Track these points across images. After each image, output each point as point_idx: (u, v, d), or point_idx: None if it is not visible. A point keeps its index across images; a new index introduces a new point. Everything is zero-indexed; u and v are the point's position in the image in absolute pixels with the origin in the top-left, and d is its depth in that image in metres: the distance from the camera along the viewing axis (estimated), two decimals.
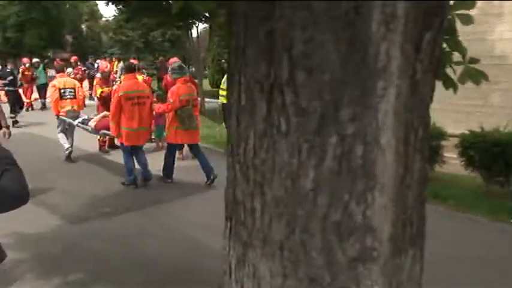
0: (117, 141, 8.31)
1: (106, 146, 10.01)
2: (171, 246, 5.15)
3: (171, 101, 7.40)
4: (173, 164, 7.86)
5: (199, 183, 7.55)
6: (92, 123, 8.58)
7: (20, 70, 16.39)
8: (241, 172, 1.59)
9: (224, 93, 9.27)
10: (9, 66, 14.33)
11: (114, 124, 7.31)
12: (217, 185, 7.37)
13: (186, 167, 8.64)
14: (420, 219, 1.52)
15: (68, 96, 9.20)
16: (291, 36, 1.34)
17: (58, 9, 39.62)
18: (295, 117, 1.38)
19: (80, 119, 8.96)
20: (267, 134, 1.47)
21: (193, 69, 21.72)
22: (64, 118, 9.15)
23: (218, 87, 26.49)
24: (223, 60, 9.65)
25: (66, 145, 9.12)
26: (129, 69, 7.76)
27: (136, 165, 7.56)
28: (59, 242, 5.31)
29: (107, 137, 9.20)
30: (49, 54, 40.65)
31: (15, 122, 12.72)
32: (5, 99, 14.07)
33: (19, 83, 14.91)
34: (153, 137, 10.67)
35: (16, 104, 13.28)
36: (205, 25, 23.46)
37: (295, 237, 1.44)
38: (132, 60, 9.73)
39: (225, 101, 9.29)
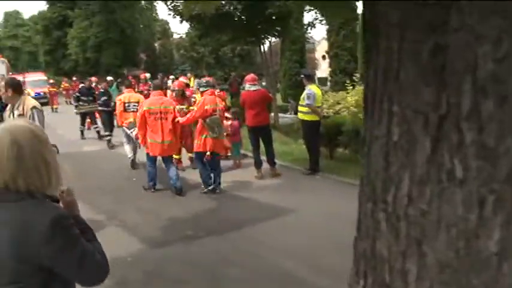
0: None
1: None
2: (260, 278, 4.83)
3: (195, 109, 7.97)
4: (208, 170, 8.09)
5: (279, 205, 7.25)
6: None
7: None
8: (388, 223, 1.27)
9: (303, 109, 8.98)
10: (102, 86, 14.26)
11: (141, 135, 8.09)
12: (299, 208, 7.04)
13: (265, 187, 8.43)
14: None
15: (132, 109, 9.78)
16: (475, 53, 1.02)
17: (133, 29, 41.24)
18: (477, 160, 1.05)
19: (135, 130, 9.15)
20: (432, 180, 1.15)
21: (264, 83, 21.69)
22: (124, 128, 9.86)
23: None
24: (302, 76, 9.28)
25: (129, 154, 10.01)
26: (156, 87, 8.40)
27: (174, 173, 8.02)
28: (139, 266, 5.19)
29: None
30: (124, 72, 42.35)
31: (108, 142, 13.10)
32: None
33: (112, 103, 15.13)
34: (229, 154, 10.61)
35: (109, 124, 13.24)
36: (277, 39, 23.36)
37: None
38: (207, 78, 9.62)
39: (305, 118, 8.97)
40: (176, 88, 10.30)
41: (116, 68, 40.72)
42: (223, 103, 9.63)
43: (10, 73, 42.31)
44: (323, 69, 44.02)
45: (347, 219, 6.27)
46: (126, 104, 9.90)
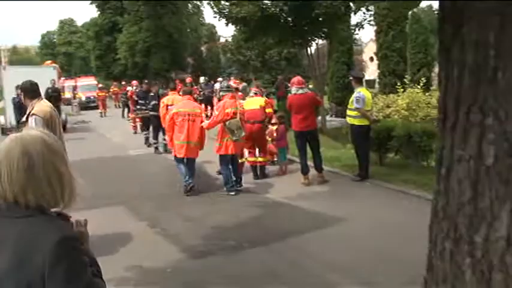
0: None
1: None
2: None
3: (216, 113, 8.20)
4: (230, 174, 8.24)
5: (327, 214, 6.91)
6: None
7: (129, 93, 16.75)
8: (475, 272, 0.96)
9: (352, 113, 8.62)
10: (153, 90, 13.55)
11: (168, 137, 8.55)
12: (348, 217, 6.69)
13: (312, 194, 8.10)
14: None
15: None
16: None
17: (180, 33, 41.74)
18: None
19: None
20: None
21: (311, 86, 21.28)
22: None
23: (337, 104, 26.16)
24: (350, 78, 8.91)
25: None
26: (186, 92, 9.06)
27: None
28: (179, 278, 4.98)
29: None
30: (171, 75, 42.90)
31: (156, 149, 13.05)
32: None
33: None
34: (275, 159, 10.38)
35: (159, 130, 12.70)
36: (324, 41, 22.93)
37: None
38: (255, 84, 9.45)
39: (354, 123, 8.62)
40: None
41: (164, 72, 41.35)
42: (271, 109, 9.50)
43: (63, 78, 43.83)
44: (371, 72, 43.24)
45: (399, 232, 5.95)
46: (169, 107, 9.86)
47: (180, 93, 10.00)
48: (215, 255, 5.50)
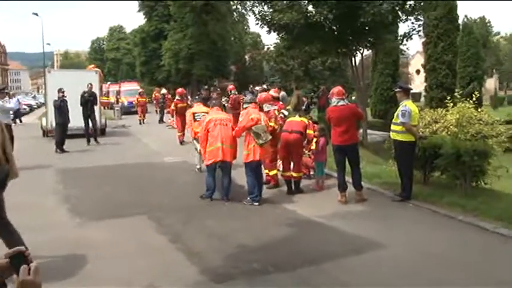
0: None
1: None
2: None
3: (241, 119, 8.45)
4: (256, 182, 8.16)
5: (365, 237, 6.26)
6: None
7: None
8: None
9: (396, 128, 7.97)
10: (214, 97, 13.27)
11: (203, 148, 8.54)
12: (388, 242, 6.03)
13: (349, 214, 7.48)
14: None
15: (198, 119, 10.09)
16: None
17: (224, 41, 41.71)
18: None
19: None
20: None
21: (353, 97, 20.56)
22: (193, 139, 10.63)
23: (380, 118, 25.27)
24: (397, 89, 8.24)
25: (198, 165, 10.74)
26: (215, 104, 9.11)
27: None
28: None
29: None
30: (215, 83, 42.92)
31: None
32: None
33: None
34: (311, 173, 9.88)
35: None
36: (369, 52, 22.18)
37: None
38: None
39: (399, 138, 7.99)
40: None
41: (207, 79, 41.39)
42: (312, 132, 9.13)
43: (108, 83, 44.47)
44: (416, 85, 41.92)
45: (446, 262, 5.24)
46: (196, 115, 10.36)
47: (209, 103, 9.62)
48: (235, 279, 4.97)
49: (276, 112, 9.62)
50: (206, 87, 15.35)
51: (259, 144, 8.01)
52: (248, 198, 8.12)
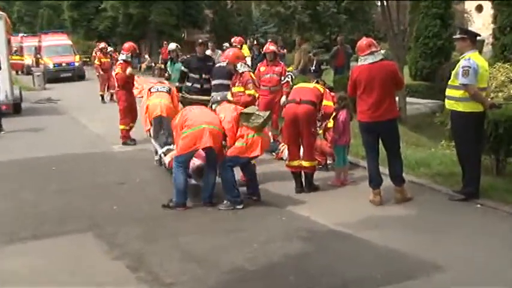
0: None
1: None
2: None
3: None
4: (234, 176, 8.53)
5: (412, 254, 6.32)
6: None
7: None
8: None
9: (455, 93, 8.00)
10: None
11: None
12: (446, 262, 6.06)
13: (387, 220, 7.62)
14: None
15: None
16: None
17: None
18: None
19: None
20: None
21: (383, 51, 20.48)
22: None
23: (424, 79, 25.34)
24: (457, 36, 8.22)
25: (157, 156, 11.03)
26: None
27: None
28: None
29: None
30: (183, 35, 42.80)
31: None
32: None
33: None
34: (329, 162, 10.27)
35: None
36: None
37: None
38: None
39: (458, 108, 8.04)
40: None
41: (172, 30, 41.18)
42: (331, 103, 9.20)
43: (20, 35, 43.96)
44: (477, 28, 41.98)
45: None
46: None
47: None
48: None
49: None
50: (201, 41, 13.58)
51: (258, 127, 8.20)
52: (225, 201, 8.26)
